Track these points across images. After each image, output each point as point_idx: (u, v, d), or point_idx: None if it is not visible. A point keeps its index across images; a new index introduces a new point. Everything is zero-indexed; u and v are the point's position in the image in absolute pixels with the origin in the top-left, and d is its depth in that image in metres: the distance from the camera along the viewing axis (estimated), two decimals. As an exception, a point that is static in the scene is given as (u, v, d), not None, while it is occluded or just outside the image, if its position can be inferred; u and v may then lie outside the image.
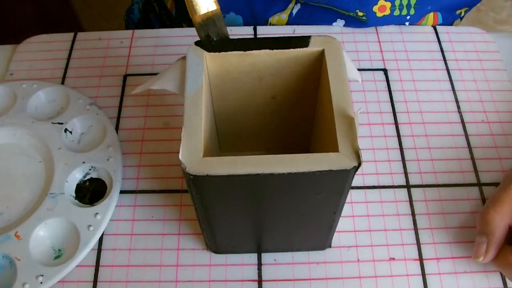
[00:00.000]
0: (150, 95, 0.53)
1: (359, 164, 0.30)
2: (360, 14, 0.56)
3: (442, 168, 0.48)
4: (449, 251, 0.44)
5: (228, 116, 0.42)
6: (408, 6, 0.56)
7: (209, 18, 0.34)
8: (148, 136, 0.51)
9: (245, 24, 0.60)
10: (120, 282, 0.42)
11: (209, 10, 0.34)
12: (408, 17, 0.58)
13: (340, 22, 0.59)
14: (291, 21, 0.59)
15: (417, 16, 0.58)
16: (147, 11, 0.73)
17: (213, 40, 0.35)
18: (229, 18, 0.60)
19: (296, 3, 0.58)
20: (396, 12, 0.56)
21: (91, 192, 0.47)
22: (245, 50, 0.35)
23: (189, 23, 0.65)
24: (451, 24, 0.63)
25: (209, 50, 0.35)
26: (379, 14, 0.56)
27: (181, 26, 0.65)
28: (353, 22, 0.58)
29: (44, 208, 0.44)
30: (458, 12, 0.61)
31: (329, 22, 0.59)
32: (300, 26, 0.58)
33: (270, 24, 0.60)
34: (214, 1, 0.34)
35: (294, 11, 0.58)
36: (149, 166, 0.49)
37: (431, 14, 0.59)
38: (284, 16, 0.59)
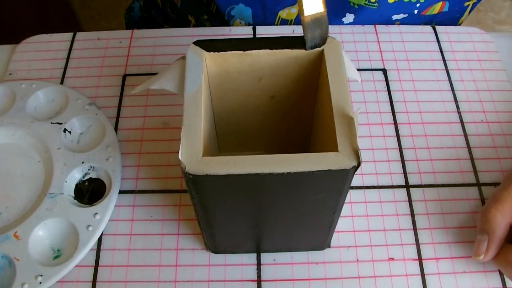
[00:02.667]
0: (149, 95, 0.53)
1: (359, 164, 0.30)
2: (373, 0, 0.55)
3: (441, 168, 0.48)
4: (448, 251, 0.44)
5: (228, 116, 0.42)
6: None
7: (317, 19, 0.34)
8: (147, 136, 0.51)
9: (254, 16, 0.59)
10: (119, 282, 0.42)
11: (318, 12, 0.34)
12: (418, 5, 0.57)
13: (350, 17, 0.58)
14: None
15: (427, 3, 0.58)
16: (149, 8, 0.73)
17: (313, 44, 0.35)
18: (238, 9, 0.59)
19: None
20: None
21: (90, 192, 0.47)
22: (244, 50, 0.35)
23: (196, 15, 0.64)
24: (457, 15, 0.62)
25: (208, 50, 0.35)
26: (390, 0, 0.56)
27: (187, 19, 0.64)
28: (363, 13, 0.57)
29: (43, 208, 0.44)
30: (466, 4, 0.61)
31: (339, 17, 0.58)
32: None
33: (280, 18, 0.59)
34: (322, 3, 0.34)
35: None
36: (148, 166, 0.49)
37: (440, 3, 0.59)
38: (294, 10, 0.58)
